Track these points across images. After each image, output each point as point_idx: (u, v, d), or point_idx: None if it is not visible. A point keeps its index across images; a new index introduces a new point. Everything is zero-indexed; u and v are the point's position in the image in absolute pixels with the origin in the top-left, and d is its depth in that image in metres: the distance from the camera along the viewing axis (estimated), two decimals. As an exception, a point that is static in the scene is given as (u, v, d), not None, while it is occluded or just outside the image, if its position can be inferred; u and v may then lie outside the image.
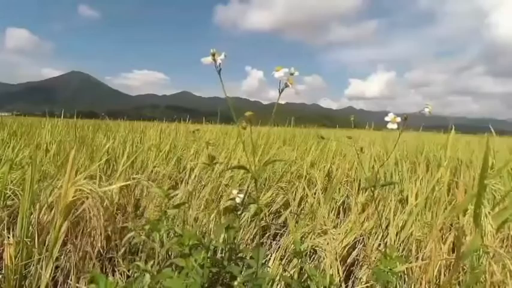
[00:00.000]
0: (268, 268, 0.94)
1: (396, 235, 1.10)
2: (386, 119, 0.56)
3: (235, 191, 0.77)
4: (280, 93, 0.53)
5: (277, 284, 0.90)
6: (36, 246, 0.86)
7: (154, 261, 0.69)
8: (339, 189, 1.51)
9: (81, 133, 2.43)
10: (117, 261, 1.00)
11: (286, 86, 0.53)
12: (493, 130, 1.58)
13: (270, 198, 1.45)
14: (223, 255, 0.84)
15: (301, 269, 0.95)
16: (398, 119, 0.56)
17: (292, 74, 0.53)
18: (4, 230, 0.86)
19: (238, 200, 0.76)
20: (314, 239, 1.11)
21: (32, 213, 0.89)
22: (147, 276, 0.66)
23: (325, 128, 5.95)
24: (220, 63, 0.53)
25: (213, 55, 0.53)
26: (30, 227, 0.88)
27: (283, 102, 0.55)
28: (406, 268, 0.92)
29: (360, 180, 1.55)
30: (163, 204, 0.72)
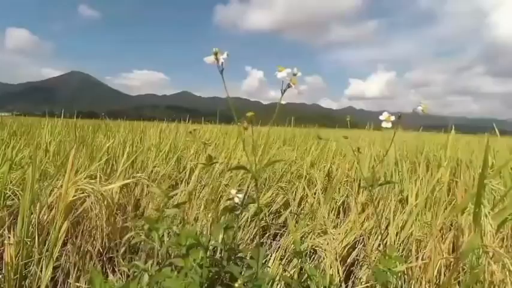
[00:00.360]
0: (268, 268, 0.94)
1: (396, 235, 1.10)
2: (381, 117, 0.57)
3: (233, 191, 0.77)
4: (282, 93, 0.53)
5: (277, 284, 0.90)
6: (37, 246, 0.86)
7: (153, 261, 0.68)
8: (339, 189, 1.51)
9: (81, 133, 2.43)
10: (117, 260, 1.00)
11: (289, 86, 0.53)
12: (497, 130, 1.58)
13: (270, 198, 1.45)
14: (222, 255, 0.84)
15: (301, 269, 0.95)
16: (392, 118, 0.56)
17: (295, 75, 0.53)
18: (5, 230, 0.86)
19: (236, 200, 0.76)
20: (314, 239, 1.11)
21: (32, 213, 0.89)
22: (146, 276, 0.66)
23: (325, 128, 5.95)
24: (222, 63, 0.53)
25: (216, 54, 0.53)
26: (31, 227, 0.88)
27: (284, 103, 0.55)
28: (406, 268, 0.92)
29: (360, 180, 1.56)
30: (163, 203, 0.71)
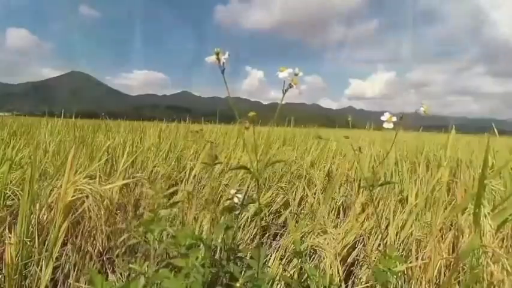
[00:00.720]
0: (268, 268, 0.94)
1: (396, 235, 1.10)
2: (382, 118, 0.56)
3: (233, 191, 0.77)
4: (284, 93, 0.53)
5: (277, 284, 0.90)
6: (37, 246, 0.86)
7: (150, 262, 0.68)
8: (339, 189, 1.51)
9: (80, 133, 2.43)
10: (117, 261, 1.00)
11: (291, 86, 0.53)
12: (496, 130, 1.58)
13: (270, 198, 1.45)
14: (221, 255, 0.84)
15: (301, 268, 0.95)
16: (394, 118, 0.56)
17: (296, 75, 0.53)
18: (5, 230, 0.86)
19: (236, 200, 0.76)
20: (314, 238, 1.11)
21: (32, 213, 0.89)
22: (142, 278, 0.65)
23: (325, 128, 5.94)
24: (224, 63, 0.53)
25: (217, 54, 0.53)
26: (31, 227, 0.88)
27: (283, 102, 0.55)
28: (406, 268, 0.92)
29: (360, 180, 1.56)
30: (157, 204, 0.71)
